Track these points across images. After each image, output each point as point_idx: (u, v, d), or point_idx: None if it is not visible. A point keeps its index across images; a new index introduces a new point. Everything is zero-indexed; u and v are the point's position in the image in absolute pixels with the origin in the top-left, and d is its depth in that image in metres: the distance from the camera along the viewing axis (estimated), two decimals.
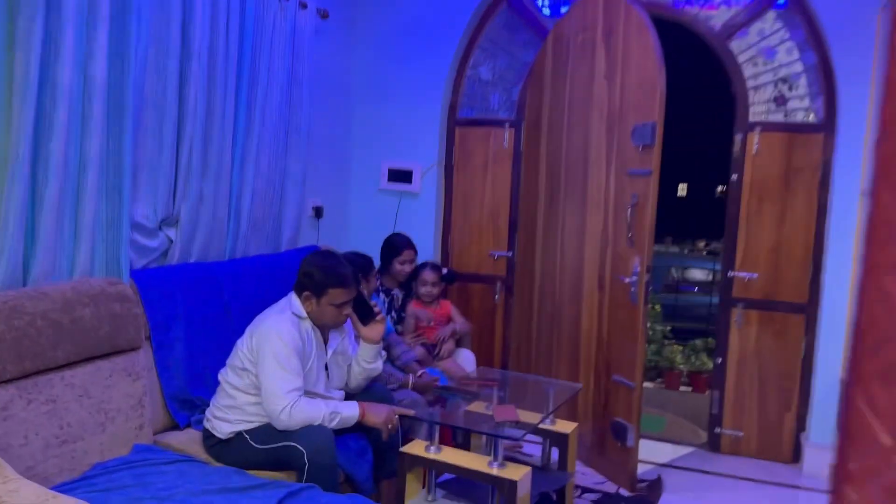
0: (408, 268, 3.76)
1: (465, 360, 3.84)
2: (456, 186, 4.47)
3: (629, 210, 3.41)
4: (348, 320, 2.81)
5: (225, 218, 3.34)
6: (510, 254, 4.39)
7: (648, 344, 6.04)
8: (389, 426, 2.66)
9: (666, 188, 3.38)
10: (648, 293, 3.42)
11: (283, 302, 2.74)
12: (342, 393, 2.84)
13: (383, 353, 3.03)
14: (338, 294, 2.64)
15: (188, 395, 2.90)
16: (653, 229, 3.36)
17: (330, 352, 2.76)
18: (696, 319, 7.76)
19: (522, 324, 4.33)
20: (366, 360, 2.84)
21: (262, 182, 3.53)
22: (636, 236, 3.41)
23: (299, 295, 2.68)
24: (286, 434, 2.50)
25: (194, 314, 2.98)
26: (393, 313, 3.78)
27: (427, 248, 4.38)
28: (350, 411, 2.64)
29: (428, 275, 3.77)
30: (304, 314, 2.66)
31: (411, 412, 2.80)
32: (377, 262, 3.75)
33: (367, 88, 4.46)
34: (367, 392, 2.94)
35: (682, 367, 5.95)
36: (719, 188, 21.88)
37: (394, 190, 4.43)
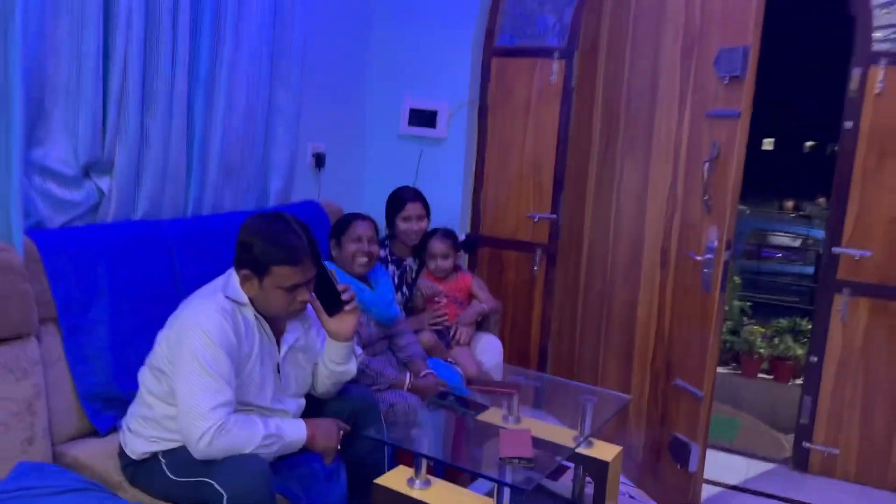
0: (415, 226, 3.00)
1: (488, 348, 3.09)
2: (491, 131, 3.65)
3: (707, 164, 2.56)
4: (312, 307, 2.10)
5: (183, 164, 2.64)
6: (554, 216, 3.57)
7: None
8: (338, 446, 2.01)
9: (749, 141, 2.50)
10: (727, 276, 2.58)
11: (218, 281, 2.03)
12: (301, 402, 2.13)
13: (359, 350, 2.31)
14: (286, 274, 1.92)
15: (115, 391, 2.24)
16: (737, 191, 2.50)
17: (284, 349, 2.05)
18: (779, 292, 6.78)
19: (566, 303, 3.54)
20: (333, 360, 2.13)
21: (237, 118, 2.80)
22: (714, 200, 2.55)
23: (238, 273, 1.97)
24: (205, 466, 1.82)
25: (127, 288, 2.31)
26: (405, 289, 3.05)
27: (453, 207, 3.60)
28: (295, 434, 1.95)
29: (437, 245, 3.01)
30: (245, 299, 1.95)
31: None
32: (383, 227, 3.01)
33: (384, 5, 3.65)
34: (342, 396, 2.23)
35: (762, 351, 5.05)
36: (808, 143, 20.19)
37: (415, 136, 3.65)
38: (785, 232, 8.28)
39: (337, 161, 3.52)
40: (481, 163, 3.68)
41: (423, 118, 3.60)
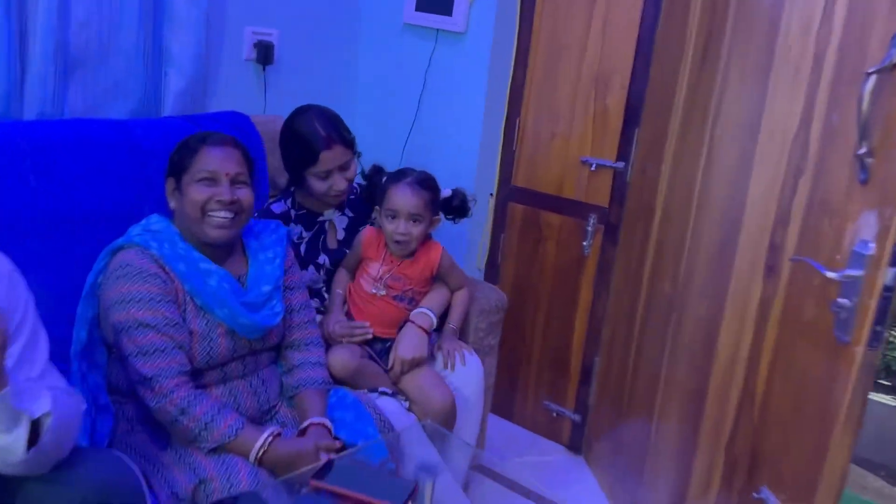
0: (338, 184, 1.86)
1: (458, 371, 1.91)
2: (537, 27, 2.38)
3: (870, 81, 1.21)
4: None
5: None
6: (621, 165, 2.28)
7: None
8: None
9: None
10: (886, 317, 1.25)
11: None
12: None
13: None
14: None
15: None
16: None
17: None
18: None
19: (625, 300, 2.28)
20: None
21: None
22: (881, 156, 1.22)
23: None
24: None
25: None
26: (324, 263, 1.94)
27: (469, 143, 2.41)
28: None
29: (404, 197, 1.81)
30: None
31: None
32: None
33: None
34: (72, 472, 1.19)
35: None
36: None
37: (425, 27, 2.45)
38: None
39: (298, 58, 2.40)
40: (520, 74, 2.42)
41: (436, 2, 2.38)
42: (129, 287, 1.45)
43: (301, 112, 1.87)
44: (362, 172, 1.94)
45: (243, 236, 1.65)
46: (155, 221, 1.55)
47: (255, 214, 1.89)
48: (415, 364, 1.79)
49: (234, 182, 1.54)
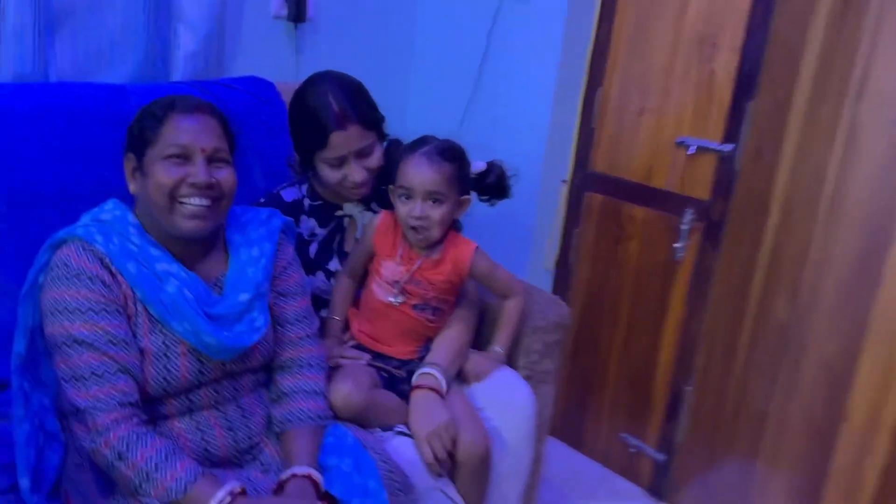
0: (358, 175, 1.45)
1: (497, 397, 1.50)
2: None
3: None
4: None
5: None
6: (730, 147, 1.80)
7: None
8: None
9: None
10: None
11: None
12: None
13: None
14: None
15: None
16: None
17: None
18: None
19: (724, 318, 1.81)
20: None
21: None
22: None
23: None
24: None
25: None
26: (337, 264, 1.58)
27: (538, 119, 1.99)
28: None
29: (418, 170, 1.40)
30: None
31: None
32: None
33: None
34: None
35: None
36: None
37: None
38: None
39: (338, 14, 2.04)
40: (603, 34, 1.97)
41: None
42: (63, 293, 1.13)
43: (314, 81, 1.49)
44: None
45: (226, 228, 1.32)
46: (109, 209, 1.23)
47: (262, 200, 1.56)
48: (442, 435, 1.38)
49: (211, 160, 1.21)
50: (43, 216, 1.47)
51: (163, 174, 1.17)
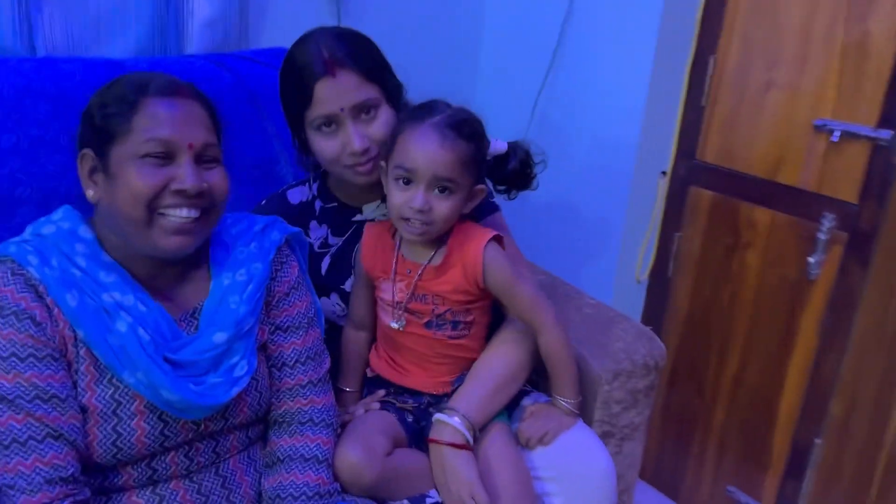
0: (357, 142, 1.07)
1: (564, 456, 1.13)
2: None
3: None
4: None
5: None
6: (885, 134, 1.36)
7: None
8: None
9: None
10: None
11: None
12: None
13: None
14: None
15: None
16: None
17: None
18: None
19: (875, 357, 1.39)
20: None
21: None
22: None
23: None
24: None
25: None
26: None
27: (634, 94, 1.60)
28: None
29: (424, 147, 1.02)
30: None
31: None
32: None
33: None
34: None
35: None
36: None
37: None
38: None
39: None
40: None
41: None
42: None
43: (306, 34, 1.16)
44: None
45: (210, 243, 1.02)
46: (56, 219, 0.95)
47: (262, 203, 1.26)
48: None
49: (199, 158, 0.91)
50: (19, 222, 1.22)
51: (138, 179, 0.88)
